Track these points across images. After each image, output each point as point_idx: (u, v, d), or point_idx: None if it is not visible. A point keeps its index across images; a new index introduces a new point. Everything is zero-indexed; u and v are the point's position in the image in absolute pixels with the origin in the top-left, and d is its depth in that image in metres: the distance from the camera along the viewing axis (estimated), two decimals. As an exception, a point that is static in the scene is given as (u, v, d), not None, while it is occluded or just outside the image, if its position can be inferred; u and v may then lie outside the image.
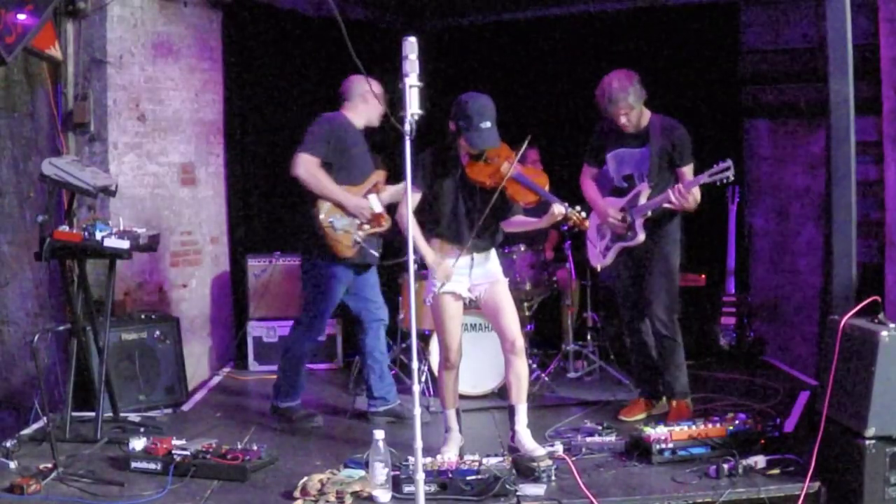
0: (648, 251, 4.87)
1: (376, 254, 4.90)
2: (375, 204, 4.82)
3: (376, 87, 4.74)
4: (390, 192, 4.88)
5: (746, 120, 7.16)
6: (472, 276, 4.27)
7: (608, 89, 4.72)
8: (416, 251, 4.12)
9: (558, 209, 4.05)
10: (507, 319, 4.26)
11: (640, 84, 4.73)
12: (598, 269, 5.24)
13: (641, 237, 4.80)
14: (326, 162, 4.72)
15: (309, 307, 4.99)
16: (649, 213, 4.76)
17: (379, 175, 4.93)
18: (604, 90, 4.74)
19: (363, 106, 4.89)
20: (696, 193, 4.70)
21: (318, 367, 6.40)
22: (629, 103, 4.70)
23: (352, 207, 4.75)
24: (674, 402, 4.93)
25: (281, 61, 6.88)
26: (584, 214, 4.08)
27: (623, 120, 4.76)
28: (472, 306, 4.58)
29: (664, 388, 5.01)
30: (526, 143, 4.18)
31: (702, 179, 4.59)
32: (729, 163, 4.48)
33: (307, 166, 4.67)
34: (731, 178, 4.51)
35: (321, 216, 4.69)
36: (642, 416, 5.06)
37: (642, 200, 4.76)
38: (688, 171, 4.76)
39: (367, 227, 4.79)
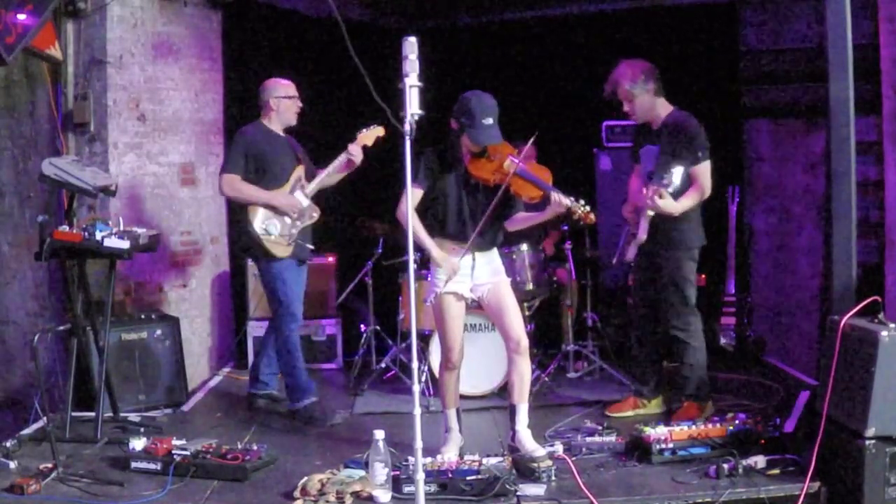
0: (659, 255, 4.84)
1: (311, 247, 5.23)
2: (302, 199, 5.13)
3: (288, 88, 5.18)
4: (314, 183, 5.17)
5: (747, 120, 7.16)
6: (474, 277, 4.26)
7: (614, 73, 4.80)
8: (419, 248, 4.12)
9: (563, 200, 4.02)
10: (512, 319, 4.25)
11: (647, 75, 4.72)
12: (613, 263, 5.16)
13: (643, 236, 4.77)
14: (249, 175, 5.03)
15: (280, 301, 5.12)
16: (651, 213, 4.72)
17: (299, 170, 5.18)
18: (611, 74, 4.81)
19: (275, 111, 5.18)
20: (686, 201, 4.61)
21: (318, 367, 6.41)
22: (626, 89, 4.73)
23: (282, 206, 5.04)
24: (685, 402, 4.90)
25: (281, 61, 6.86)
26: (588, 208, 4.05)
27: (626, 107, 4.81)
28: (472, 306, 4.58)
29: (681, 384, 4.97)
30: (532, 140, 4.17)
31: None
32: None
33: (230, 184, 5.02)
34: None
35: (255, 225, 5.00)
36: (629, 413, 5.04)
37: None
38: (699, 170, 4.64)
39: (298, 222, 5.09)
